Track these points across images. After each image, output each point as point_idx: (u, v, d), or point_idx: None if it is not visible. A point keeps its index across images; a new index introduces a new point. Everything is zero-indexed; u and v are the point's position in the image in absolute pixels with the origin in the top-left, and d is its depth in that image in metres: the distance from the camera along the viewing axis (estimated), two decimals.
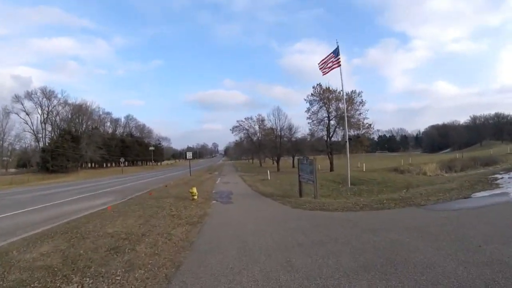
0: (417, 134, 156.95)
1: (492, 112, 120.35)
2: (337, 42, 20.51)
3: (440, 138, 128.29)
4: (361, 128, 40.14)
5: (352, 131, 40.54)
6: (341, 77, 20.34)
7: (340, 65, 20.33)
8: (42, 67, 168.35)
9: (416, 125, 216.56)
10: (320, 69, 20.89)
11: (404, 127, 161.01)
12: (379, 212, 8.37)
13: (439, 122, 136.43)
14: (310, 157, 13.90)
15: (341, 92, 39.79)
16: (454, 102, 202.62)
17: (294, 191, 16.29)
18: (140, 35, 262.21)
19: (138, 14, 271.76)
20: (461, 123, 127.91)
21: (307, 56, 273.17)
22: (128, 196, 16.86)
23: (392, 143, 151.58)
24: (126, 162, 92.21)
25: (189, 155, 38.18)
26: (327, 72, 20.58)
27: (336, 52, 20.50)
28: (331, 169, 39.24)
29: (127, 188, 22.56)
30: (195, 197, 13.00)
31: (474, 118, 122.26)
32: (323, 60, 21.09)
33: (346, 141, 20.46)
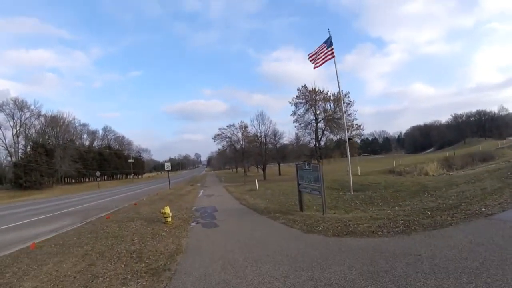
0: (398, 136, 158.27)
1: (473, 110, 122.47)
2: (329, 31, 18.13)
3: (422, 138, 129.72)
4: (351, 130, 37.98)
5: (340, 133, 38.62)
6: (335, 69, 17.99)
7: (334, 56, 17.94)
8: (20, 79, 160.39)
9: (397, 127, 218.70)
10: (311, 61, 18.41)
11: (386, 129, 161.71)
12: (443, 233, 5.64)
13: (419, 122, 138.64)
14: (313, 161, 11.03)
15: (328, 92, 38.46)
16: (431, 102, 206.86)
17: (291, 204, 13.75)
18: (117, 46, 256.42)
19: (114, 23, 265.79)
20: (442, 122, 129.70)
21: (285, 63, 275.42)
22: (89, 218, 13.79)
23: (374, 146, 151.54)
24: (105, 176, 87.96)
25: (168, 166, 34.74)
26: (319, 64, 18.09)
27: (328, 42, 18.06)
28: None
29: (94, 207, 19.24)
30: (169, 219, 10.05)
31: (455, 117, 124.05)
32: (313, 52, 18.62)
33: (346, 141, 17.99)
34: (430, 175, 25.22)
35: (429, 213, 7.57)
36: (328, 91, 38.44)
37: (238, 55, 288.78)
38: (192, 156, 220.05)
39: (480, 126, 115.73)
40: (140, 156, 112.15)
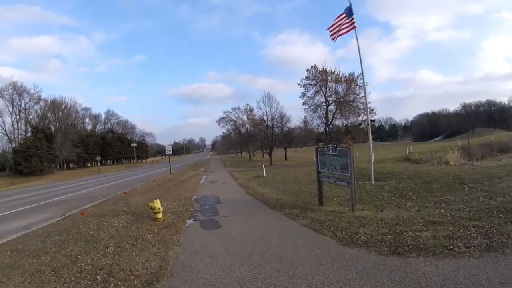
0: (405, 123, 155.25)
1: (482, 99, 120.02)
2: (349, 0, 15.83)
3: (430, 126, 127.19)
4: (363, 113, 35.70)
5: (352, 117, 36.47)
6: (357, 41, 15.60)
7: (355, 27, 15.63)
8: (24, 67, 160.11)
9: (404, 114, 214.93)
10: (331, 35, 16.14)
11: (392, 116, 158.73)
12: None
13: (426, 110, 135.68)
14: (341, 145, 8.92)
15: (340, 72, 36.07)
16: (439, 90, 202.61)
17: (307, 194, 11.80)
18: (121, 30, 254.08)
19: (117, 8, 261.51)
20: (450, 111, 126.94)
21: (290, 46, 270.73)
22: (73, 209, 11.96)
23: (381, 133, 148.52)
24: (109, 161, 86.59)
25: (168, 149, 32.64)
26: (339, 35, 15.82)
27: (348, 12, 15.74)
28: None
29: (85, 196, 17.40)
30: (159, 215, 8.12)
31: (464, 106, 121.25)
32: (332, 24, 16.36)
33: (368, 124, 15.88)
34: (452, 164, 23.15)
35: (501, 216, 5.59)
36: (339, 71, 36.04)
37: (243, 38, 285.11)
38: (197, 140, 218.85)
39: (490, 116, 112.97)
40: (144, 140, 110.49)
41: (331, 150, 8.54)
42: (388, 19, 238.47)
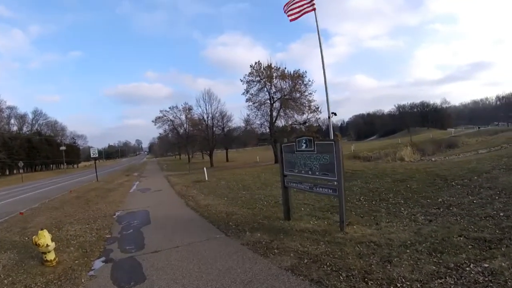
0: (341, 124, 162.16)
1: (416, 101, 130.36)
2: None
3: (366, 127, 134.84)
4: (308, 112, 34.60)
5: (297, 115, 35.07)
6: (316, 24, 13.85)
7: (314, 9, 13.78)
8: None
9: (340, 116, 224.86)
10: (285, 12, 14.03)
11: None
12: None
13: (361, 112, 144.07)
14: (317, 137, 6.50)
15: (285, 68, 34.41)
16: (373, 93, 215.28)
17: (264, 204, 9.53)
18: (58, 23, 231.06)
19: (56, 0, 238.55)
20: (385, 112, 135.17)
21: (231, 48, 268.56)
22: None
23: (319, 133, 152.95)
24: (37, 167, 77.25)
25: (94, 152, 27.95)
26: (297, 17, 13.88)
27: None
28: (276, 161, 33.28)
29: None
30: (49, 256, 5.09)
31: (399, 107, 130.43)
32: (288, 2, 14.29)
33: (329, 117, 13.97)
34: (407, 160, 22.50)
35: None
36: (285, 67, 34.42)
37: (184, 38, 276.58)
38: (133, 142, 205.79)
39: (423, 116, 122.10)
40: (75, 143, 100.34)
41: (304, 145, 6.23)
42: (326, 26, 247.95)
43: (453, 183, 9.42)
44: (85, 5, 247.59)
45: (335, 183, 5.54)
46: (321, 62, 14.28)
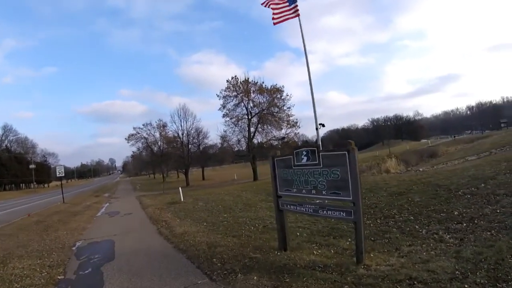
0: (316, 139, 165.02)
1: (390, 114, 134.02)
2: None
3: (341, 141, 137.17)
4: (287, 127, 33.97)
5: (274, 131, 34.32)
6: (301, 29, 12.92)
7: (298, 15, 13.06)
8: None
9: (314, 131, 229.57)
10: (265, 5, 13.30)
11: (304, 133, 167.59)
12: None
13: (335, 127, 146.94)
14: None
15: (263, 83, 33.76)
16: (346, 109, 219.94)
17: (251, 229, 8.20)
18: (33, 38, 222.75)
19: (31, 13, 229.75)
20: (359, 126, 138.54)
21: (206, 66, 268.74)
22: None
23: (295, 148, 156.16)
24: (6, 186, 72.33)
25: (60, 170, 25.34)
26: (280, 21, 13.01)
27: None
28: (255, 178, 32.24)
29: None
30: None
31: (373, 121, 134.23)
32: (267, 2, 13.44)
33: (317, 128, 12.94)
34: (394, 172, 21.76)
35: None
36: (263, 82, 33.82)
37: (159, 56, 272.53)
38: (106, 161, 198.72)
39: (397, 129, 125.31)
40: (46, 161, 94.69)
41: (305, 158, 5.00)
42: (299, 45, 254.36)
43: (459, 192, 8.61)
44: (61, 21, 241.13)
45: (351, 204, 4.30)
46: (307, 69, 13.41)
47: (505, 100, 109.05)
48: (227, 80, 33.69)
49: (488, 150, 20.82)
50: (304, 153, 4.98)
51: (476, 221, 5.86)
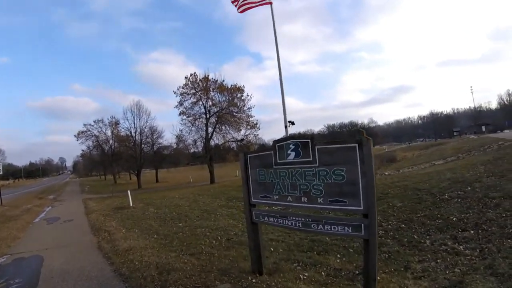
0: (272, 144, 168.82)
1: (345, 121, 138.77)
2: None
3: None
4: (246, 128, 32.68)
5: (233, 132, 33.02)
6: (273, 20, 11.73)
7: (271, 3, 11.80)
8: None
9: (270, 135, 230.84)
10: (238, 6, 11.82)
11: (261, 137, 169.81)
12: None
13: (291, 131, 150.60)
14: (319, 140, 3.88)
15: (224, 81, 32.41)
16: (301, 115, 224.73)
17: (212, 243, 6.79)
18: None
19: None
20: (315, 131, 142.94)
21: (164, 66, 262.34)
22: None
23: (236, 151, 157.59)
24: None
25: None
26: (247, 8, 11.68)
27: None
28: (212, 181, 30.86)
29: None
30: None
31: (328, 127, 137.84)
32: None
33: (286, 126, 11.76)
34: None
35: None
36: (223, 80, 32.27)
37: (115, 52, 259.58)
38: (56, 160, 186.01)
39: (352, 135, 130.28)
40: None
41: (293, 154, 3.76)
42: (259, 50, 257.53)
43: (445, 196, 8.04)
44: (16, 7, 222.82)
45: (360, 216, 3.13)
46: (277, 59, 12.22)
47: (455, 111, 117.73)
48: (185, 77, 31.74)
49: (453, 155, 21.13)
50: (292, 146, 3.73)
51: (483, 227, 5.19)
